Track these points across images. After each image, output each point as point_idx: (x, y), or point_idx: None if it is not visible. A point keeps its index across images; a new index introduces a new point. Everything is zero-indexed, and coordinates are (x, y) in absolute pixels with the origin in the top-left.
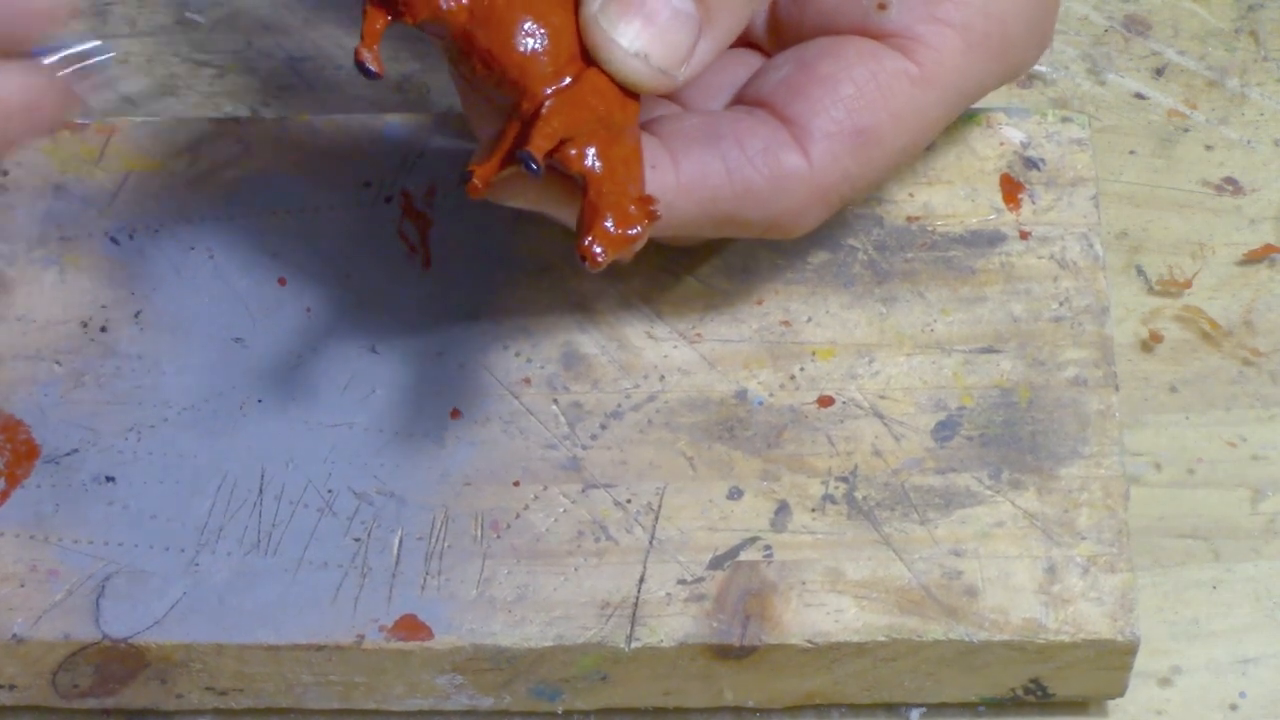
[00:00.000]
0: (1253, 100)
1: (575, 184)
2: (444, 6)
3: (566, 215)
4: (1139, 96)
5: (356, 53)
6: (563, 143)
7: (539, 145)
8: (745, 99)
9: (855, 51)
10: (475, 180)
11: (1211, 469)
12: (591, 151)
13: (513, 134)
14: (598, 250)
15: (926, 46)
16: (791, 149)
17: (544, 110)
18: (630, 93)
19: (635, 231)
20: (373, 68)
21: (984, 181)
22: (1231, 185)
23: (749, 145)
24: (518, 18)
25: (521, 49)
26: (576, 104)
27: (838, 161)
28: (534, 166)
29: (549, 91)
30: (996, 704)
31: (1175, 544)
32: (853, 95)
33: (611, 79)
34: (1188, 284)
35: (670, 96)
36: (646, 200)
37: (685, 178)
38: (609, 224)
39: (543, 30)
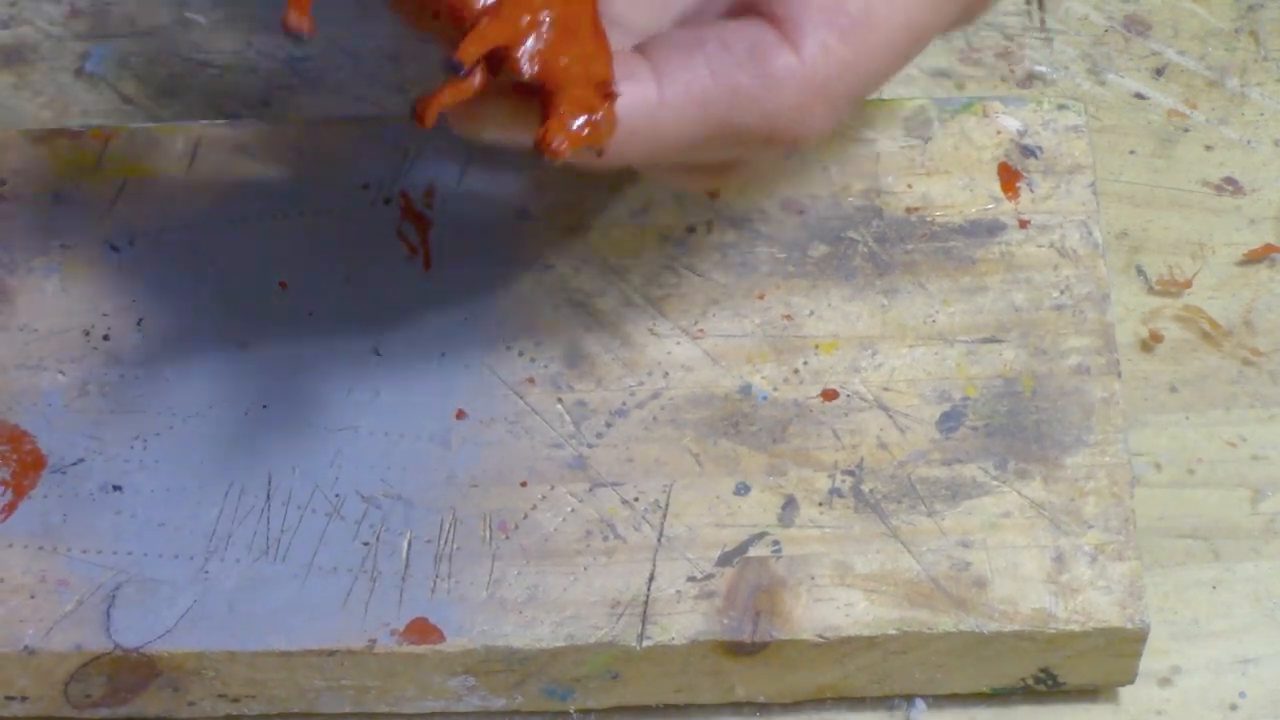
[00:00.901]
0: (1253, 100)
1: (534, 101)
2: None
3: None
4: (1139, 96)
5: (286, 18)
6: (507, 51)
7: (466, 51)
8: (737, 10)
9: None
10: (418, 109)
11: (1211, 469)
12: (535, 50)
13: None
14: (556, 141)
15: None
16: (779, 45)
17: (475, 27)
18: None
19: (595, 118)
20: (303, 28)
21: (982, 171)
22: (1231, 185)
23: (735, 47)
24: None
25: None
26: (513, 6)
27: (831, 52)
28: (461, 71)
29: (483, 5)
30: (1007, 693)
31: (1175, 544)
32: None
33: None
34: (1188, 284)
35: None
36: (604, 84)
37: (670, 89)
38: (565, 112)
39: None
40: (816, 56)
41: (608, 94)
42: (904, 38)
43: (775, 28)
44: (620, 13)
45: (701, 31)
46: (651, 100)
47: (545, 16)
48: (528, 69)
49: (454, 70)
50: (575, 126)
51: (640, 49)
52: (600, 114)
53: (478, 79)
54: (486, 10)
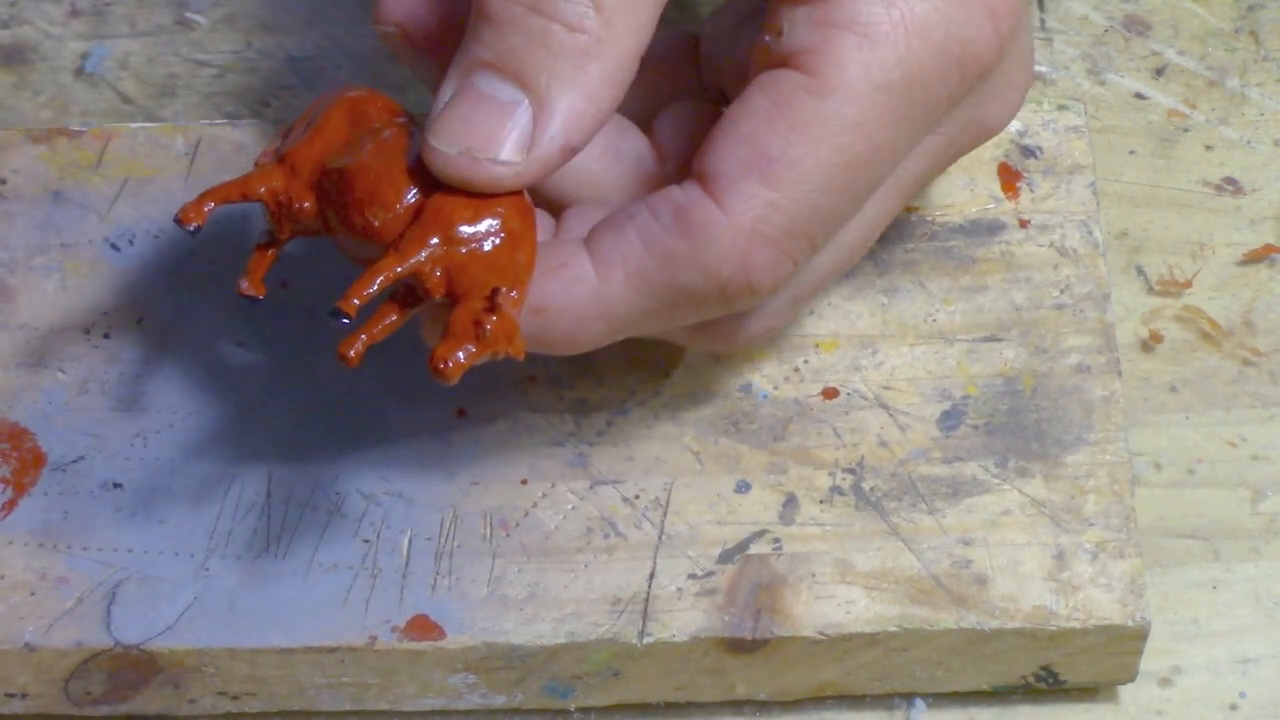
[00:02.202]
0: (1253, 100)
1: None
2: (298, 207)
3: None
4: (1139, 96)
5: (239, 285)
6: (415, 277)
7: (349, 302)
8: (680, 175)
9: (756, 86)
10: (342, 352)
11: (1211, 469)
12: (443, 270)
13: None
14: (443, 364)
15: (820, 54)
16: (702, 201)
17: (370, 265)
18: (489, 196)
19: (485, 330)
20: (256, 294)
21: (982, 171)
22: (1231, 185)
23: (661, 213)
24: (356, 187)
25: (364, 214)
26: (413, 239)
27: (755, 196)
28: (345, 321)
29: (399, 235)
30: (1008, 692)
31: (1175, 544)
32: (753, 126)
33: (460, 191)
34: (1188, 284)
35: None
36: (493, 294)
37: (606, 269)
38: (456, 332)
39: (378, 187)
40: (739, 204)
41: (493, 305)
42: (842, 173)
43: (701, 185)
44: (589, 189)
45: (633, 205)
46: (591, 284)
47: (458, 230)
48: (436, 290)
49: (338, 318)
50: (461, 352)
51: (590, 235)
52: (489, 325)
53: (393, 317)
54: (400, 232)
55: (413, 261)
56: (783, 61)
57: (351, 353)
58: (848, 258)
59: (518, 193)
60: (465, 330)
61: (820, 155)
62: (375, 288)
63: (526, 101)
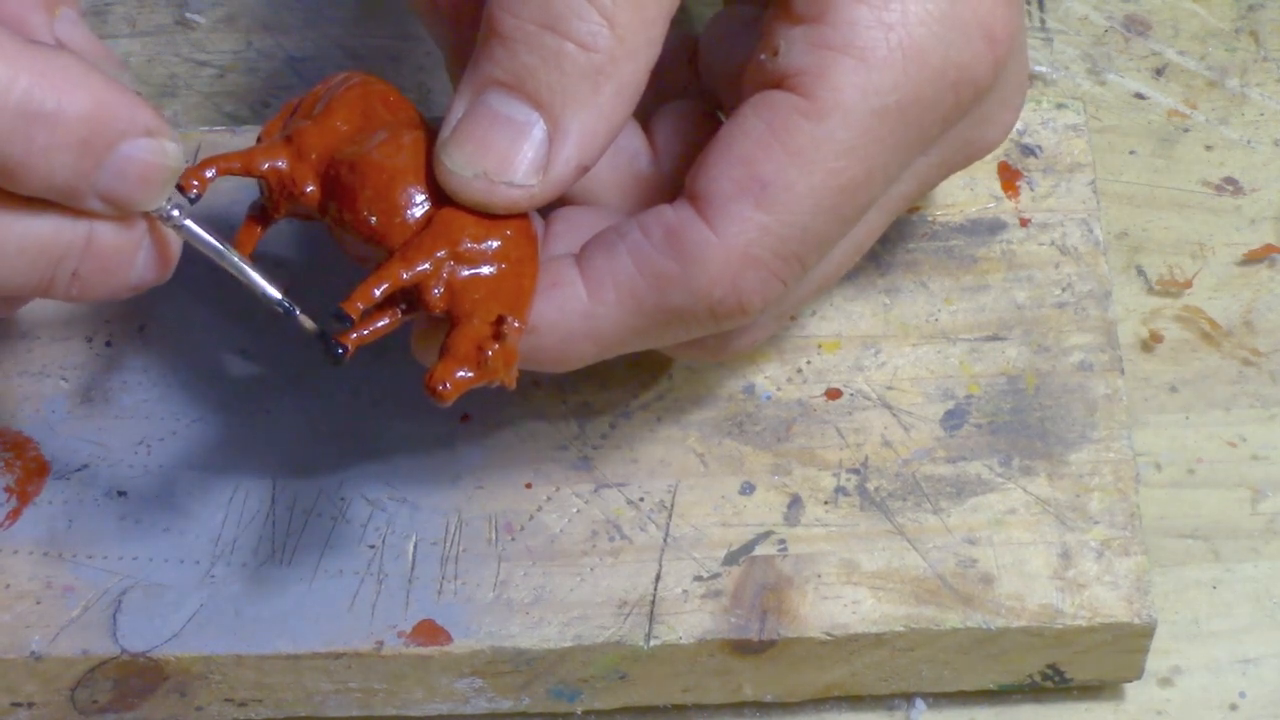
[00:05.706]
0: (1253, 100)
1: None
2: (301, 192)
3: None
4: (1139, 96)
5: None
6: (417, 288)
7: (352, 304)
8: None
9: (750, 106)
10: (346, 348)
11: (1211, 469)
12: (445, 284)
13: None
14: (440, 385)
15: (816, 76)
16: (694, 223)
17: (375, 269)
18: (499, 216)
19: (486, 355)
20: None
21: (982, 170)
22: (1231, 185)
23: (653, 233)
24: (366, 184)
25: (370, 212)
26: (433, 237)
27: (747, 219)
28: (347, 323)
29: (402, 243)
30: (1014, 691)
31: (1175, 544)
32: (747, 148)
33: (470, 209)
34: (1188, 284)
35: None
36: (500, 321)
37: (598, 289)
38: (456, 353)
39: (388, 189)
40: (731, 226)
41: (498, 333)
42: (834, 197)
43: (693, 205)
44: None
45: (624, 224)
46: (582, 303)
47: (465, 246)
48: (436, 304)
49: (340, 320)
50: (460, 374)
51: (583, 251)
52: (491, 352)
53: (385, 321)
54: (401, 246)
55: (418, 270)
56: (778, 82)
57: (348, 348)
58: (834, 274)
59: (525, 215)
60: (466, 354)
61: (814, 180)
62: (379, 294)
63: (541, 122)
